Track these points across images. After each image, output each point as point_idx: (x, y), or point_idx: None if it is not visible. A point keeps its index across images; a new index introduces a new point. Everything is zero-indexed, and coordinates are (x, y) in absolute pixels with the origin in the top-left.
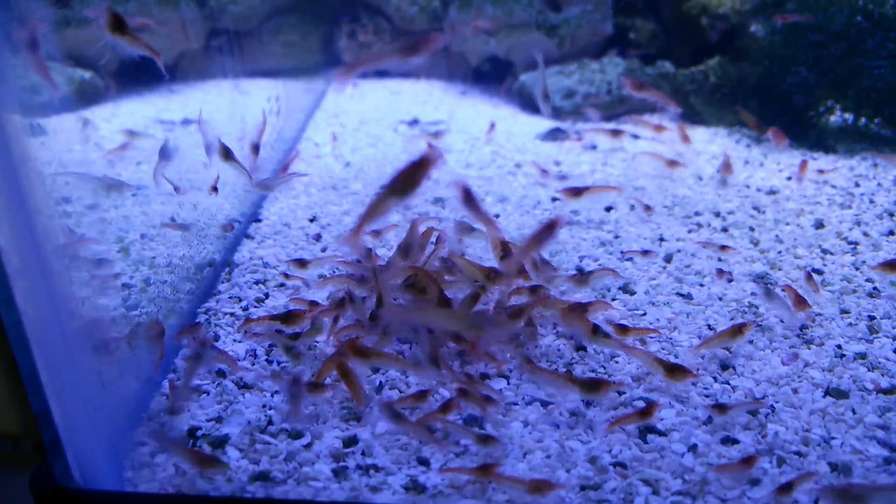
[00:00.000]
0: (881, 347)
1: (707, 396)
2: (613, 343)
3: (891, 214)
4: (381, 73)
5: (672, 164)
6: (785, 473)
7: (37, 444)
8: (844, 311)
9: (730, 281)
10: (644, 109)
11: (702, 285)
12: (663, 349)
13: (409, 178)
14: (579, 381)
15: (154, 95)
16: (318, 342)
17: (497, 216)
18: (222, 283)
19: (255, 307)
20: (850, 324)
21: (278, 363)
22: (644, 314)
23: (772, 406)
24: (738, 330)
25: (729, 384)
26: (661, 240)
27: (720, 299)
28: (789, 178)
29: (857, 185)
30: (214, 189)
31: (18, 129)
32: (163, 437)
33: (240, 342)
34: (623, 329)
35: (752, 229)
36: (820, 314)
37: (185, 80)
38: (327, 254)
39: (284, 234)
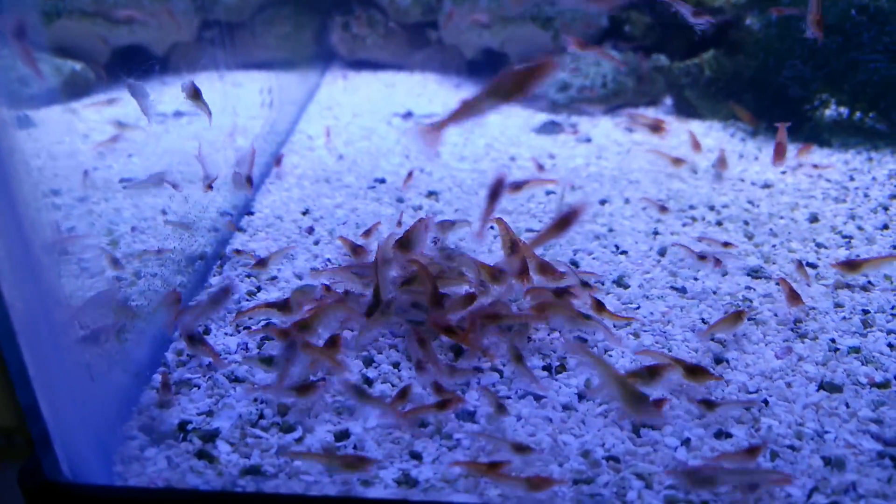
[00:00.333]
0: (875, 341)
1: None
2: (593, 322)
3: (885, 208)
4: (375, 66)
5: (677, 161)
6: (778, 467)
7: (28, 438)
8: (838, 305)
9: (724, 275)
10: (639, 102)
11: (696, 279)
12: (657, 343)
13: (518, 81)
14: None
15: (146, 87)
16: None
17: None
18: (214, 276)
19: (247, 300)
20: (844, 318)
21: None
22: (638, 307)
23: (765, 400)
24: (738, 316)
25: (722, 378)
26: (656, 234)
27: (714, 293)
28: (784, 172)
29: (852, 178)
30: (209, 188)
31: (6, 120)
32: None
33: (231, 335)
34: (599, 306)
35: (746, 223)
36: (814, 308)
37: (177, 72)
38: (319, 247)
39: (277, 227)
